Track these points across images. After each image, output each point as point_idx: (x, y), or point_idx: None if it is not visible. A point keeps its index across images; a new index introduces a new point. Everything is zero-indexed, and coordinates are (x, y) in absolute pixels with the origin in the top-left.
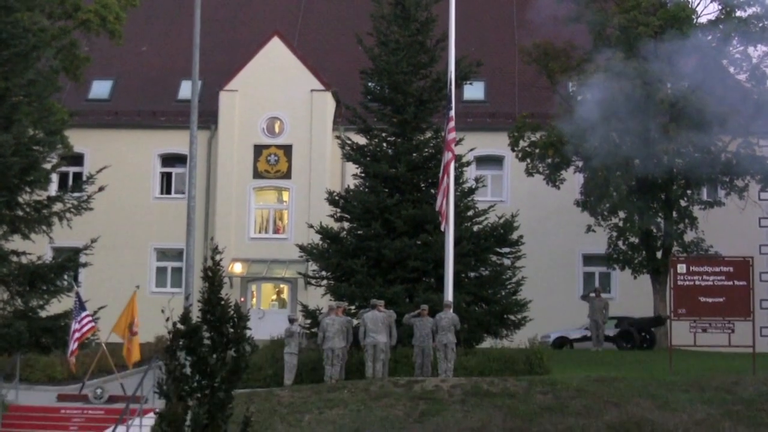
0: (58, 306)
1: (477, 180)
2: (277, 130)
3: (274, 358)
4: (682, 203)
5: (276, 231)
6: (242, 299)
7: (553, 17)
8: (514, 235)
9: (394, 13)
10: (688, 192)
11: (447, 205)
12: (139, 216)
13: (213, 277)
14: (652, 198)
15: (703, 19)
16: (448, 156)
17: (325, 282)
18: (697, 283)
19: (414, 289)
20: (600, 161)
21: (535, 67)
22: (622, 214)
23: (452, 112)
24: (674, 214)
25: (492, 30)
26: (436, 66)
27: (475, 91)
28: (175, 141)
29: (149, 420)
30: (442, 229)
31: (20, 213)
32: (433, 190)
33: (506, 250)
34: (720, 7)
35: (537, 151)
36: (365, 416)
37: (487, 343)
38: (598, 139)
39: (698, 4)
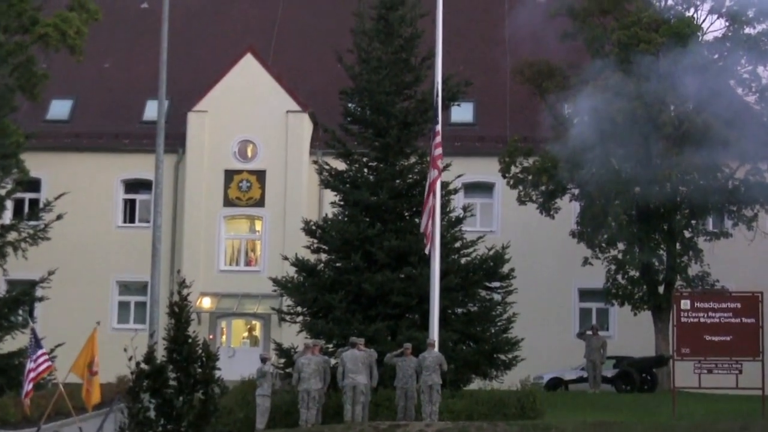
0: (12, 343)
1: (465, 209)
2: (249, 154)
3: (245, 401)
4: (686, 234)
5: (248, 263)
6: (211, 337)
7: (548, 34)
8: (505, 269)
9: (377, 29)
10: (693, 222)
11: (433, 225)
12: (100, 246)
13: (180, 312)
14: (654, 228)
15: (709, 36)
16: (433, 174)
17: (300, 318)
18: (702, 320)
19: (397, 327)
20: (597, 188)
21: (528, 88)
22: (621, 246)
23: (438, 127)
24: (678, 245)
25: (482, 48)
26: (422, 85)
27: (463, 112)
28: (140, 165)
29: None
30: (427, 252)
31: None
32: (417, 220)
33: (496, 284)
34: (727, 24)
35: (530, 177)
36: None
37: (476, 384)
38: (596, 165)
39: (704, 20)
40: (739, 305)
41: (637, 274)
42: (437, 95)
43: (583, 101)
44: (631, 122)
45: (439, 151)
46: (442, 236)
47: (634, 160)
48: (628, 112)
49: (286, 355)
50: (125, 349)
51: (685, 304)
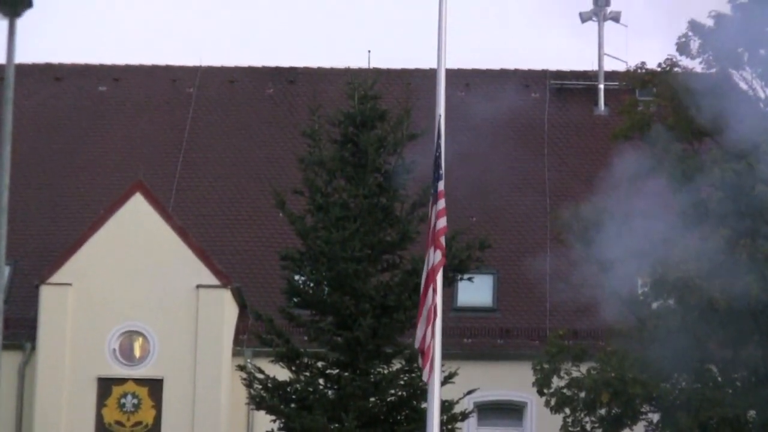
0: None
1: None
2: (137, 352)
3: None
4: None
5: None
6: None
7: (608, 166)
8: None
9: (341, 158)
10: None
11: (433, 338)
12: None
13: None
14: None
15: None
16: (436, 257)
17: None
18: None
19: None
20: (689, 413)
21: (579, 249)
22: None
23: (442, 183)
24: None
25: (507, 188)
26: (411, 247)
27: (476, 291)
28: None
29: None
30: (425, 378)
31: None
32: None
33: None
34: None
35: (582, 395)
36: None
37: None
38: (687, 375)
39: None
40: None
41: None
42: (439, 121)
43: (666, 274)
44: (743, 308)
45: (442, 223)
46: None
47: (747, 368)
48: (739, 292)
49: None
50: None
51: None
